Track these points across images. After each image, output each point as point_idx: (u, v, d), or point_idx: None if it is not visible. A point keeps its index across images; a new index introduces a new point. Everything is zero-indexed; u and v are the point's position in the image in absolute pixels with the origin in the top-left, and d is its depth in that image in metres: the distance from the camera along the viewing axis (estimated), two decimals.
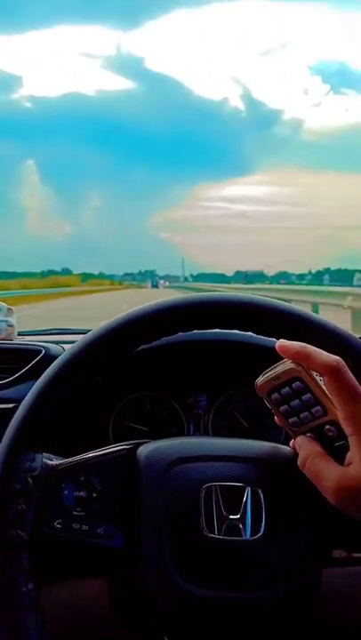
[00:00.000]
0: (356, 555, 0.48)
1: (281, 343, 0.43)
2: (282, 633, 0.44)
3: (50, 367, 0.47)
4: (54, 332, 1.05)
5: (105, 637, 0.69)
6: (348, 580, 0.65)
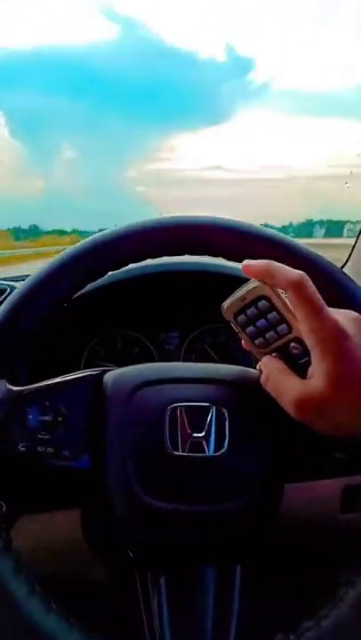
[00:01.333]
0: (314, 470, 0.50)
1: (246, 262, 0.43)
2: (241, 545, 0.47)
3: (13, 293, 0.48)
4: (25, 277, 1.04)
5: (76, 562, 0.73)
6: (308, 495, 0.69)
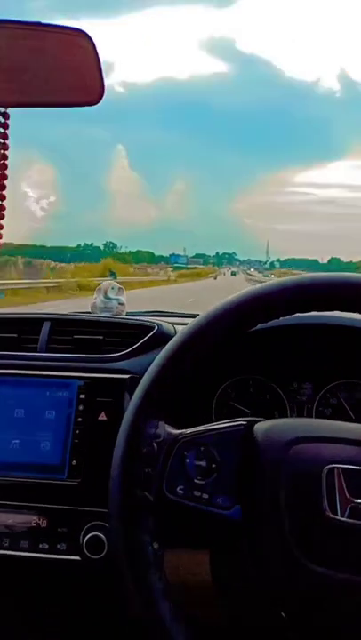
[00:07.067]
0: None
1: None
2: None
3: (174, 338, 0.52)
4: (156, 314, 1.13)
5: (198, 603, 0.76)
6: None
